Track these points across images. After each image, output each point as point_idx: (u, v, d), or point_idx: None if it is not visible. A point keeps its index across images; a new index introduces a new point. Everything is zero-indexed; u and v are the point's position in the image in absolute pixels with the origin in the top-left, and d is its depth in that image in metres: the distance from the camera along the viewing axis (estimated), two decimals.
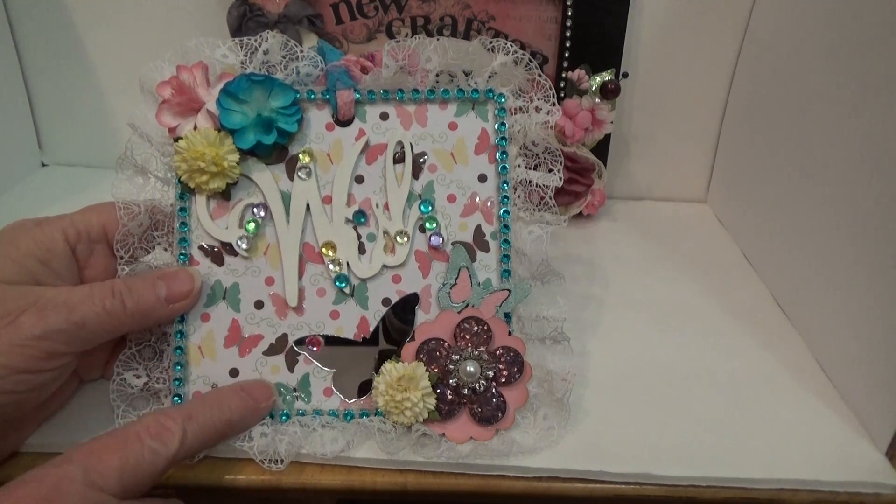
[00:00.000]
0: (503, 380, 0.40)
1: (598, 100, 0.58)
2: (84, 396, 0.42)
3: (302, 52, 0.42)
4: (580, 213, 0.62)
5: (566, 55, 0.58)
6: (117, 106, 0.67)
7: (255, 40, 0.41)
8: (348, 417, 0.40)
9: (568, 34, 0.57)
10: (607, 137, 0.60)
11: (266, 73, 0.41)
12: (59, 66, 0.65)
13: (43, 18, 0.63)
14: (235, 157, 0.40)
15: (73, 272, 0.39)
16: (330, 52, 0.43)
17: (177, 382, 0.39)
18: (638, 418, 0.41)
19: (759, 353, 0.47)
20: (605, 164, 0.61)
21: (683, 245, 0.60)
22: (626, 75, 0.59)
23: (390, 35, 0.60)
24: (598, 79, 0.58)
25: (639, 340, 0.48)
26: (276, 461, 0.38)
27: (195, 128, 0.41)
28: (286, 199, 0.41)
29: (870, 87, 0.42)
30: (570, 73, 0.58)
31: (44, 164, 0.70)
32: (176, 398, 0.40)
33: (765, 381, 0.45)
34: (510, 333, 0.41)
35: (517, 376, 0.40)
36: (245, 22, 0.55)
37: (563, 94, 0.58)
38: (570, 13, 0.56)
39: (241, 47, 0.41)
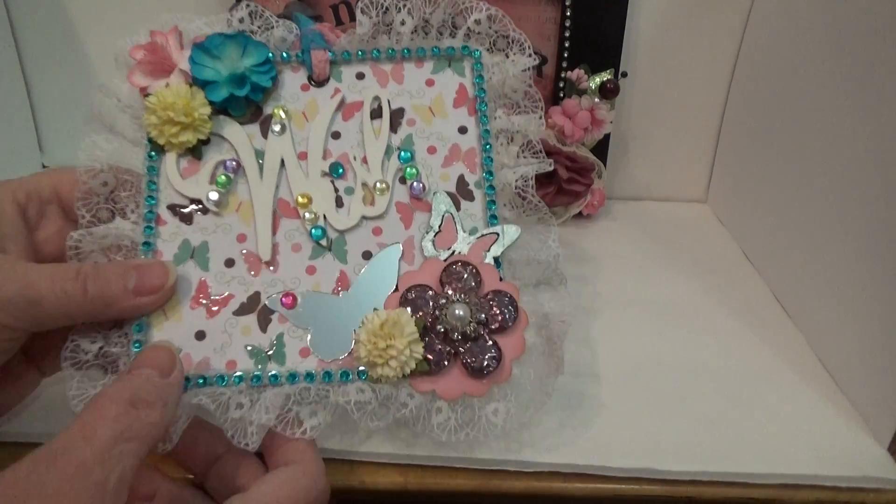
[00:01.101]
0: (496, 326, 0.34)
1: (597, 99, 0.56)
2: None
3: (276, 20, 0.39)
4: (580, 213, 0.60)
5: (565, 55, 0.56)
6: None
7: (228, 13, 0.38)
8: (327, 378, 0.33)
9: (567, 34, 0.55)
10: (607, 137, 0.58)
11: (239, 32, 0.37)
12: (60, 67, 0.63)
13: (43, 19, 0.62)
14: (207, 109, 0.37)
15: (23, 235, 0.34)
16: (304, 21, 0.40)
17: (136, 345, 0.34)
18: (639, 414, 0.40)
19: (761, 350, 0.45)
20: (604, 164, 0.59)
21: (683, 244, 0.58)
22: (625, 75, 0.57)
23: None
24: (597, 79, 0.56)
25: (640, 338, 0.46)
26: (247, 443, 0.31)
27: (167, 86, 0.37)
28: (260, 156, 0.37)
29: (869, 87, 0.41)
30: (569, 73, 0.56)
31: (44, 166, 0.66)
32: None
33: (766, 377, 0.43)
34: (501, 279, 0.35)
35: (511, 322, 0.34)
36: None
37: (562, 94, 0.57)
38: (568, 13, 0.55)
39: (216, 21, 0.38)
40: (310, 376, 0.35)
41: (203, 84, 0.38)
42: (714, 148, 0.64)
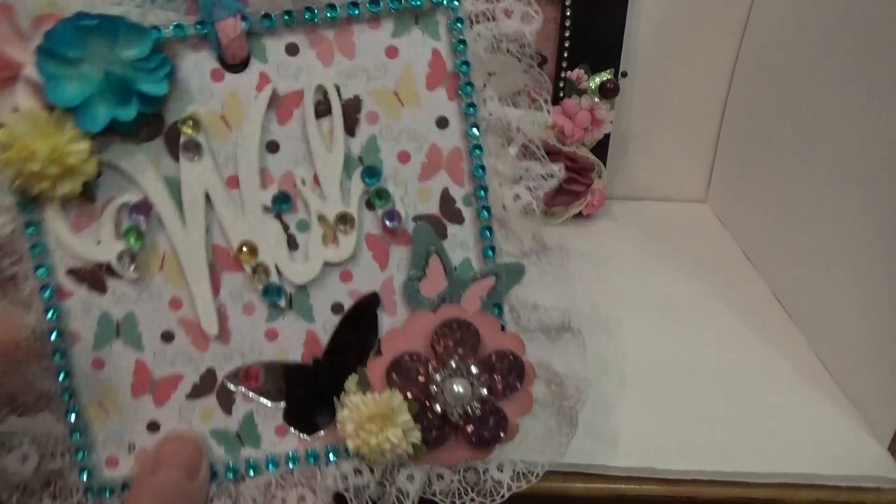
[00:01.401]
0: (500, 391, 0.28)
1: (597, 99, 0.55)
2: None
3: None
4: (580, 213, 0.59)
5: (565, 55, 0.55)
6: None
7: None
8: (312, 460, 0.28)
9: (567, 34, 0.54)
10: (607, 137, 0.57)
11: (102, 13, 0.24)
12: None
13: None
14: (85, 145, 0.26)
15: None
16: None
17: (80, 454, 0.27)
18: (639, 414, 0.38)
19: (761, 349, 0.44)
20: (604, 164, 0.58)
21: (683, 244, 0.57)
22: (625, 75, 0.56)
23: None
24: (597, 78, 0.55)
25: (639, 337, 0.45)
26: None
27: (16, 110, 0.24)
28: (174, 186, 0.27)
29: (869, 86, 0.40)
30: (569, 72, 0.55)
31: None
32: (84, 473, 0.27)
33: (766, 376, 0.42)
34: (502, 329, 0.28)
35: (518, 385, 0.28)
36: None
37: (562, 94, 0.56)
38: (568, 13, 0.53)
39: None
40: (293, 459, 0.30)
41: (69, 107, 0.26)
42: (714, 148, 0.63)
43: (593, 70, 0.55)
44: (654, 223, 0.62)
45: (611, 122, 0.56)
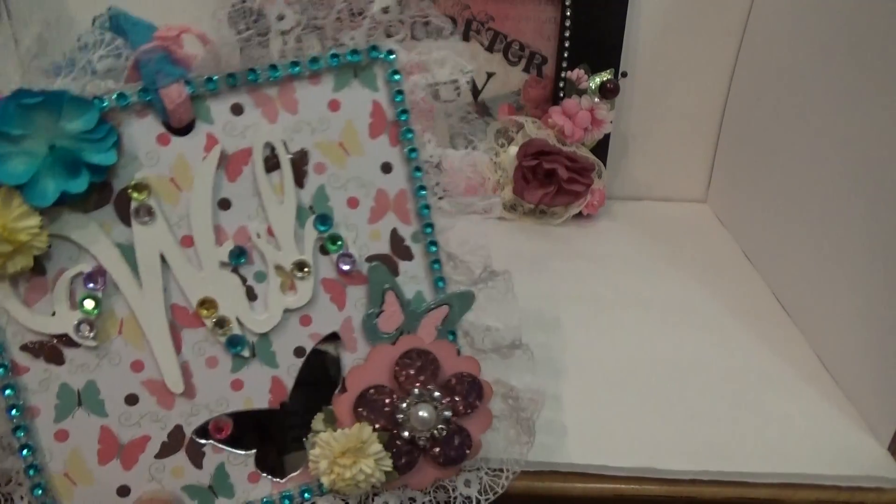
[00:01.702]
0: (462, 411, 0.30)
1: (597, 99, 0.55)
2: None
3: (91, 35, 0.25)
4: (580, 213, 0.59)
5: (565, 55, 0.55)
6: None
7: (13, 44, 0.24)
8: (287, 501, 0.29)
9: (567, 34, 0.54)
10: (607, 137, 0.57)
11: (44, 89, 0.24)
12: None
13: None
14: (35, 220, 0.25)
15: None
16: (133, 27, 0.26)
17: None
18: (639, 414, 0.39)
19: (761, 349, 0.45)
20: (604, 164, 0.58)
21: (683, 244, 0.57)
22: (625, 75, 0.56)
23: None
24: (597, 78, 0.55)
25: (640, 337, 0.45)
26: None
27: None
28: (127, 253, 0.27)
29: (868, 86, 0.39)
30: (569, 72, 0.56)
31: None
32: None
33: (766, 376, 0.42)
34: (458, 353, 0.31)
35: (477, 403, 0.30)
36: None
37: (562, 94, 0.56)
38: (568, 13, 0.54)
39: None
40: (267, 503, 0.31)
41: (16, 184, 0.26)
42: (714, 148, 0.63)
43: (593, 70, 0.55)
44: (654, 223, 0.61)
45: (611, 122, 0.56)
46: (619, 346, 0.44)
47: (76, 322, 0.28)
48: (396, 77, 0.31)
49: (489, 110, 0.57)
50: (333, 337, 0.32)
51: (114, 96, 0.28)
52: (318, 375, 0.32)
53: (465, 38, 0.55)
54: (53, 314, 0.28)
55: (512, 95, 0.59)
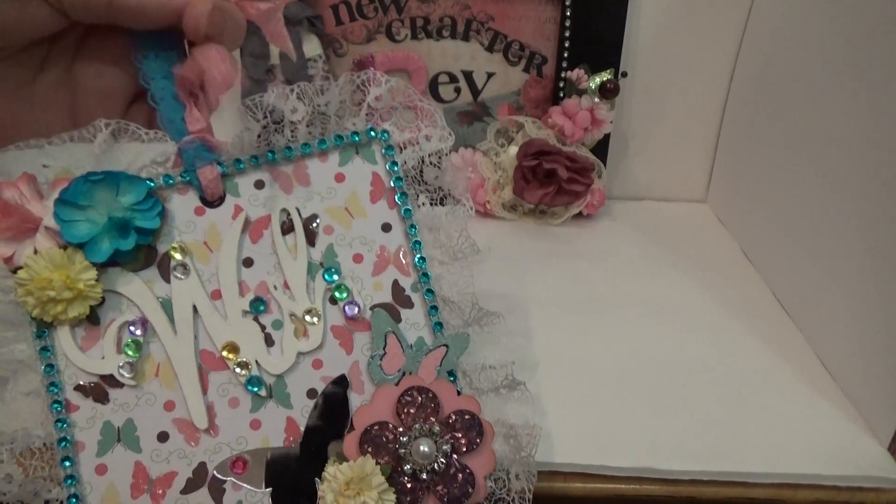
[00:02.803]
0: (464, 449, 0.32)
1: (597, 99, 0.55)
2: None
3: (145, 132, 0.32)
4: (580, 213, 0.59)
5: (565, 55, 0.55)
6: None
7: (88, 134, 0.31)
8: None
9: (567, 34, 0.54)
10: (607, 137, 0.57)
11: (106, 170, 0.30)
12: None
13: None
14: (92, 273, 0.30)
15: None
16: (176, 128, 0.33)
17: None
18: (639, 414, 0.39)
19: (761, 349, 0.45)
20: (604, 164, 0.58)
21: (683, 244, 0.58)
22: (625, 75, 0.55)
23: (390, 36, 0.57)
24: (597, 78, 0.55)
25: (640, 337, 0.45)
26: None
27: (35, 252, 0.30)
28: (167, 306, 0.32)
29: (869, 86, 0.40)
30: (569, 72, 0.55)
31: None
32: None
33: (766, 376, 0.42)
34: (459, 393, 0.32)
35: (478, 441, 0.32)
36: None
37: (562, 94, 0.56)
38: (568, 13, 0.53)
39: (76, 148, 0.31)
40: None
41: (79, 243, 0.32)
42: (714, 148, 0.62)
43: (593, 70, 0.55)
44: (654, 223, 0.60)
45: (611, 122, 0.55)
46: (619, 346, 0.44)
47: (120, 364, 0.33)
48: (391, 152, 0.36)
49: (489, 110, 0.58)
50: (342, 380, 0.34)
51: (161, 178, 0.34)
52: (330, 418, 0.34)
53: (465, 38, 0.55)
54: (103, 358, 0.33)
55: (512, 95, 0.59)
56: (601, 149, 0.58)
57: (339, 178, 0.36)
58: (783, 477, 0.35)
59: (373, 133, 0.36)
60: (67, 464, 0.32)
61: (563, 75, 0.56)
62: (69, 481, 0.32)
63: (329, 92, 0.35)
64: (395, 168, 0.36)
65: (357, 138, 0.36)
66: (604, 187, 0.59)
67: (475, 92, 0.61)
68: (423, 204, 0.36)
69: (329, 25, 0.58)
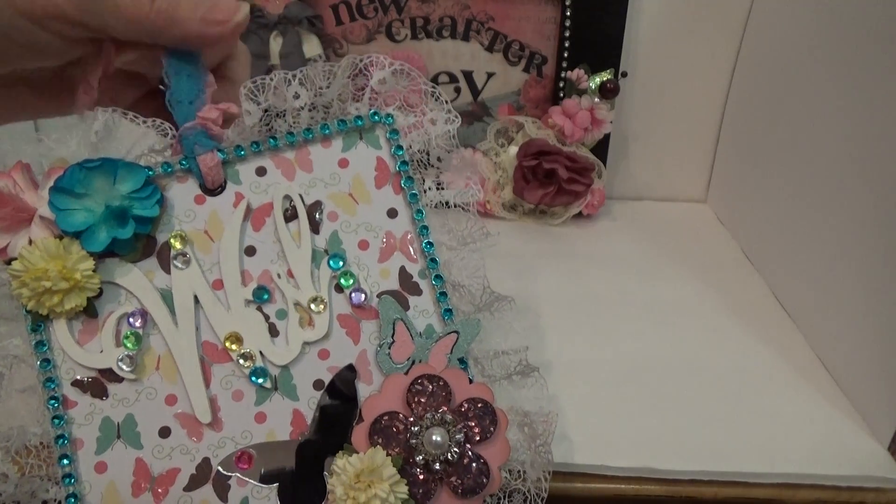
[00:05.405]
0: (477, 438, 0.30)
1: (597, 99, 0.54)
2: None
3: (144, 121, 0.30)
4: (580, 213, 0.58)
5: (565, 55, 0.55)
6: None
7: (83, 121, 0.29)
8: None
9: (567, 34, 0.54)
10: (607, 137, 0.57)
11: (103, 157, 0.28)
12: None
13: None
14: (89, 263, 0.29)
15: None
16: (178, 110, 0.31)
17: None
18: (639, 414, 0.38)
19: (761, 349, 0.44)
20: (604, 164, 0.58)
21: (683, 244, 0.57)
22: (625, 75, 0.56)
23: (390, 36, 0.57)
24: (597, 78, 0.54)
25: (640, 337, 0.45)
26: None
27: (30, 242, 0.28)
28: (167, 297, 0.30)
29: (868, 86, 0.39)
30: (569, 72, 0.55)
31: None
32: None
33: (766, 376, 0.42)
34: (471, 381, 0.30)
35: (492, 429, 0.30)
36: None
37: (562, 94, 0.55)
38: (568, 13, 0.53)
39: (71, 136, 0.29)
40: None
41: (75, 233, 0.30)
42: (714, 148, 0.62)
43: (593, 70, 0.54)
44: (654, 223, 0.60)
45: (611, 122, 0.55)
46: (618, 346, 0.43)
47: (119, 357, 0.31)
48: (395, 136, 0.34)
49: (489, 110, 0.57)
50: (350, 369, 0.32)
51: (160, 165, 0.32)
52: (339, 408, 0.32)
53: (465, 38, 0.55)
54: (101, 351, 0.31)
55: (512, 95, 0.58)
56: (601, 149, 0.58)
57: (343, 163, 0.34)
58: (783, 477, 0.35)
59: (377, 117, 0.34)
60: (65, 462, 0.30)
61: (563, 75, 0.55)
62: (67, 480, 0.30)
63: (331, 75, 0.33)
64: (400, 152, 0.34)
65: (361, 123, 0.34)
66: (604, 187, 0.59)
67: (475, 92, 0.60)
68: (430, 189, 0.34)
69: (329, 25, 0.57)
